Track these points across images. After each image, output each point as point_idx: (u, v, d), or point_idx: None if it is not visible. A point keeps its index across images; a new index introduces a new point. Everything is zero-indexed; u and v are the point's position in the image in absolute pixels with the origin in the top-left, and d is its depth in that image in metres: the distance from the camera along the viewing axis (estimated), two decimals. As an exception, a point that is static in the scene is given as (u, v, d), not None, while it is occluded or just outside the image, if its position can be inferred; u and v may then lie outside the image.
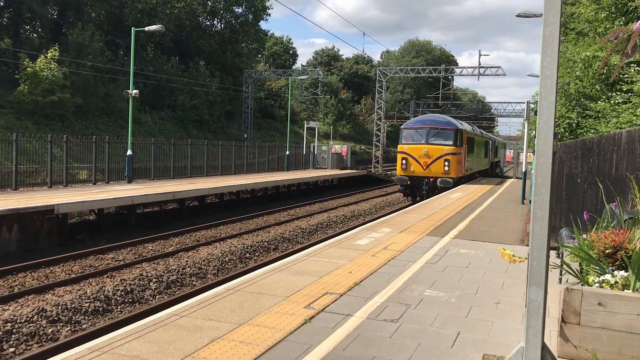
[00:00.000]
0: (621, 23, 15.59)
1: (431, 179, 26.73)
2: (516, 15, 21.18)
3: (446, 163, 26.60)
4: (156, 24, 28.04)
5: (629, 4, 15.56)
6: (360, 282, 7.67)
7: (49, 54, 34.74)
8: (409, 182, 27.08)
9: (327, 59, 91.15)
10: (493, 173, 46.48)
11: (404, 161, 27.37)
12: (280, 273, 8.03)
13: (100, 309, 10.04)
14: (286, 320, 5.88)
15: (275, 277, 7.75)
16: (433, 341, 5.45)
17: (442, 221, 14.37)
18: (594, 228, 5.35)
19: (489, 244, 11.12)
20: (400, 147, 27.93)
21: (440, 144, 26.92)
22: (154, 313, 6.53)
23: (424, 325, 5.92)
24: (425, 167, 26.91)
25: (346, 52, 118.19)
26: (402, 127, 29.03)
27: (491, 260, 9.48)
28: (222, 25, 59.02)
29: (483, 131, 44.99)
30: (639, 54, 3.89)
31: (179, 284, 12.14)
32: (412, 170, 27.19)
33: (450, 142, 26.91)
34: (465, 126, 31.02)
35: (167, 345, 5.11)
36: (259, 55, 68.86)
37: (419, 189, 27.21)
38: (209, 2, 55.97)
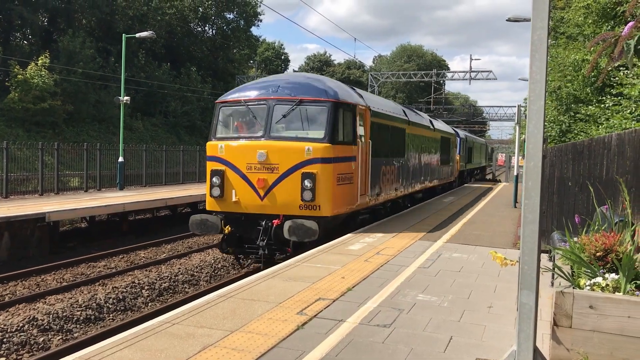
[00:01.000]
0: (609, 27, 15.73)
1: (274, 222, 11.99)
2: (506, 20, 21.30)
3: (308, 183, 11.82)
4: (147, 31, 28.03)
5: (616, 9, 15.69)
6: (353, 287, 7.66)
7: (40, 61, 34.66)
8: (228, 229, 12.31)
9: (319, 64, 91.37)
10: (464, 184, 35.13)
11: (216, 179, 12.42)
12: (273, 279, 8.01)
13: (92, 317, 9.98)
14: (279, 327, 5.86)
15: (267, 283, 7.73)
16: (426, 346, 5.45)
17: (434, 225, 14.39)
18: (585, 231, 5.37)
19: (481, 248, 11.14)
20: (210, 147, 12.82)
21: (296, 139, 12.27)
22: (146, 321, 6.49)
23: (416, 330, 5.91)
24: (262, 194, 12.07)
25: (338, 58, 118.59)
26: (219, 99, 13.45)
27: (483, 264, 9.50)
28: (214, 31, 59.08)
29: (436, 120, 27.70)
30: (626, 58, 3.91)
31: (171, 291, 12.09)
32: (234, 199, 12.27)
33: (321, 134, 12.22)
34: (369, 100, 15.11)
35: (159, 353, 5.07)
36: (251, 61, 68.95)
37: (251, 243, 12.35)
38: (200, 9, 56.01)
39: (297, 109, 12.40)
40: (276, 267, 8.89)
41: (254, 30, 63.58)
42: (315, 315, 6.29)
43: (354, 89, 14.94)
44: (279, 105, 12.45)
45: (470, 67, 52.39)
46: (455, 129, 34.87)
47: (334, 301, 6.91)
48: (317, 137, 12.21)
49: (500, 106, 56.56)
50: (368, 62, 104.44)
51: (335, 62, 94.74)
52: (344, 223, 13.39)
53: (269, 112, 12.44)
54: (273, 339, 5.48)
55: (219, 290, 7.33)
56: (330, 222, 12.37)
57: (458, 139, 32.76)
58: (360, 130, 13.68)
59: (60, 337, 9.01)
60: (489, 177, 52.27)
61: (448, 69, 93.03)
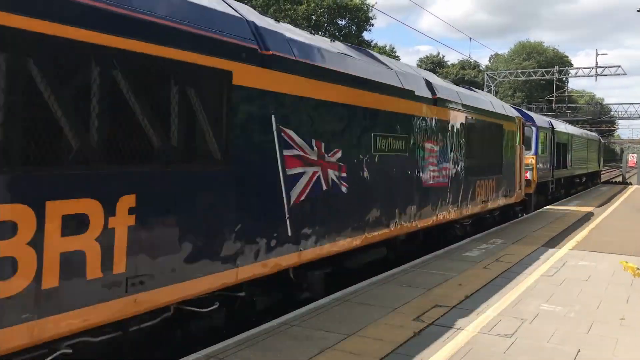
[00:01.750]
0: None
1: None
2: (637, 11, 19.83)
3: None
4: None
5: None
6: (471, 294, 7.44)
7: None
8: None
9: (432, 66, 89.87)
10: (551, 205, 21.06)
11: None
12: (388, 284, 7.97)
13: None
14: (394, 333, 5.82)
15: (382, 289, 7.70)
16: (551, 358, 5.18)
17: (558, 231, 13.65)
18: None
19: (611, 256, 10.40)
20: None
21: None
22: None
23: (540, 341, 5.64)
24: None
25: (452, 58, 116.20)
26: None
27: (614, 273, 8.86)
28: (326, 38, 60.10)
29: (460, 87, 13.95)
30: None
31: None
32: None
33: None
34: None
35: (278, 353, 5.22)
36: (363, 66, 69.28)
37: None
38: (313, 17, 57.21)
39: None
40: (390, 272, 8.83)
41: (366, 35, 63.81)
42: (432, 323, 6.19)
43: None
44: None
45: (596, 62, 49.17)
46: (526, 112, 22.43)
47: (451, 308, 6.76)
48: None
49: (630, 103, 52.74)
50: (484, 62, 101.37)
51: (449, 63, 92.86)
52: None
53: None
54: (389, 345, 5.45)
55: (334, 294, 7.41)
56: None
57: (534, 128, 20.53)
58: None
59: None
60: (619, 179, 48.69)
61: (571, 65, 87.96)
